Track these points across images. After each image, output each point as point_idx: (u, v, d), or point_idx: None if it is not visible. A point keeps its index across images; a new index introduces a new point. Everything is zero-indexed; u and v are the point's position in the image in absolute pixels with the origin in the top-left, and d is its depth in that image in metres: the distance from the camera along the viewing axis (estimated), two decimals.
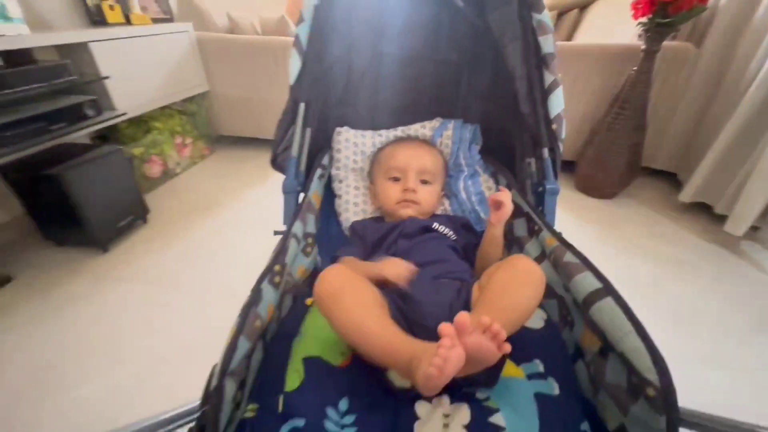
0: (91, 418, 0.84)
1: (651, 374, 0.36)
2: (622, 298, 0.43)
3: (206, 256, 1.36)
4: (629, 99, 1.53)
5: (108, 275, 1.27)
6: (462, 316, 0.38)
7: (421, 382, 0.38)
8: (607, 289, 0.45)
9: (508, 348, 0.38)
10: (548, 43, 0.70)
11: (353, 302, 0.49)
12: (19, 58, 1.24)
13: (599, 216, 1.61)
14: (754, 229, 1.39)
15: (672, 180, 1.84)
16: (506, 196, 0.66)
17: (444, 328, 0.38)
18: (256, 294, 0.46)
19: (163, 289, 1.21)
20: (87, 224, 1.28)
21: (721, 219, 1.42)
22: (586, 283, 0.48)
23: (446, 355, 0.36)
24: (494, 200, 0.66)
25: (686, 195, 1.55)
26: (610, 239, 1.45)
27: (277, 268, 0.53)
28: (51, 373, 0.94)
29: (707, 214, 1.55)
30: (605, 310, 0.43)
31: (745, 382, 0.92)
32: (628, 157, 1.60)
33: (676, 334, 1.03)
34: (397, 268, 0.59)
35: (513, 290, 0.49)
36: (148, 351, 1.00)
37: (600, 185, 1.72)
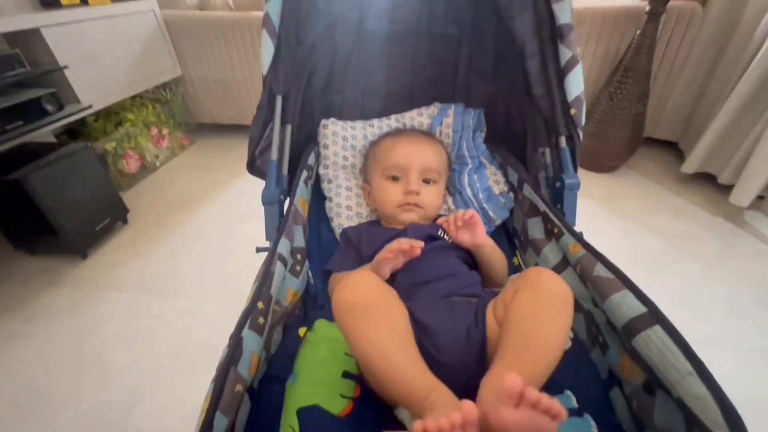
0: None
1: (720, 430, 0.31)
2: (674, 328, 0.37)
3: (195, 256, 1.28)
4: (632, 66, 1.44)
5: (89, 284, 1.19)
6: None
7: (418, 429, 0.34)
8: (654, 315, 0.39)
9: (564, 415, 0.32)
10: (565, 12, 0.60)
11: (383, 323, 0.43)
12: None
13: (600, 191, 1.55)
14: (760, 198, 1.35)
15: (673, 150, 1.79)
16: (470, 214, 0.61)
17: (466, 406, 0.32)
18: (234, 348, 0.39)
19: (150, 296, 1.14)
20: (60, 230, 1.19)
21: (725, 189, 1.38)
22: (624, 305, 0.41)
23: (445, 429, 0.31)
24: (465, 221, 0.60)
25: (689, 166, 1.50)
26: (612, 215, 1.41)
27: (260, 305, 0.45)
28: (36, 396, 0.88)
29: (711, 185, 1.51)
30: (653, 343, 0.37)
31: (754, 362, 0.90)
32: (631, 129, 1.53)
33: (682, 312, 1.00)
34: (397, 245, 0.54)
35: (540, 327, 0.41)
36: (139, 365, 0.94)
37: (601, 159, 1.65)
